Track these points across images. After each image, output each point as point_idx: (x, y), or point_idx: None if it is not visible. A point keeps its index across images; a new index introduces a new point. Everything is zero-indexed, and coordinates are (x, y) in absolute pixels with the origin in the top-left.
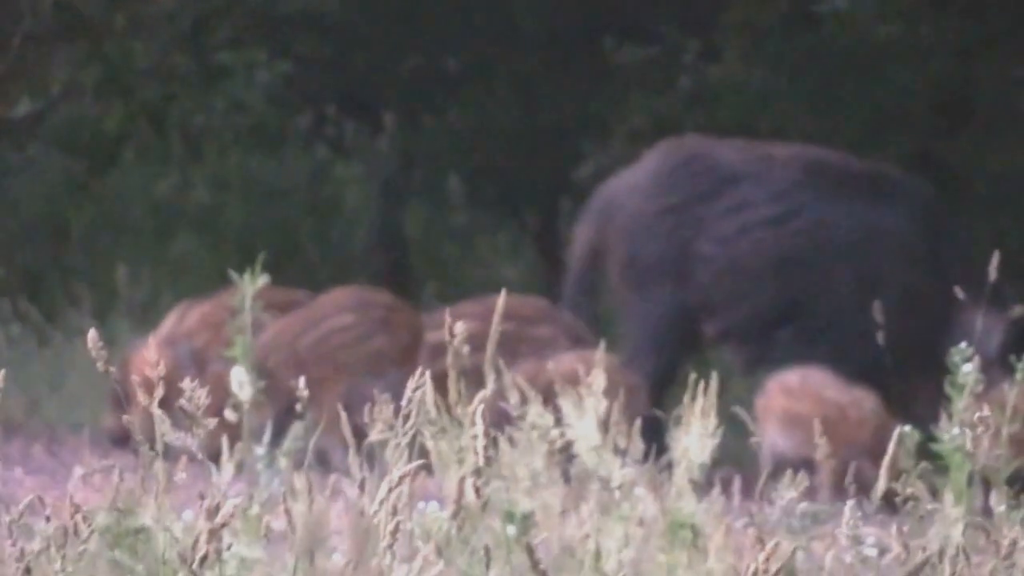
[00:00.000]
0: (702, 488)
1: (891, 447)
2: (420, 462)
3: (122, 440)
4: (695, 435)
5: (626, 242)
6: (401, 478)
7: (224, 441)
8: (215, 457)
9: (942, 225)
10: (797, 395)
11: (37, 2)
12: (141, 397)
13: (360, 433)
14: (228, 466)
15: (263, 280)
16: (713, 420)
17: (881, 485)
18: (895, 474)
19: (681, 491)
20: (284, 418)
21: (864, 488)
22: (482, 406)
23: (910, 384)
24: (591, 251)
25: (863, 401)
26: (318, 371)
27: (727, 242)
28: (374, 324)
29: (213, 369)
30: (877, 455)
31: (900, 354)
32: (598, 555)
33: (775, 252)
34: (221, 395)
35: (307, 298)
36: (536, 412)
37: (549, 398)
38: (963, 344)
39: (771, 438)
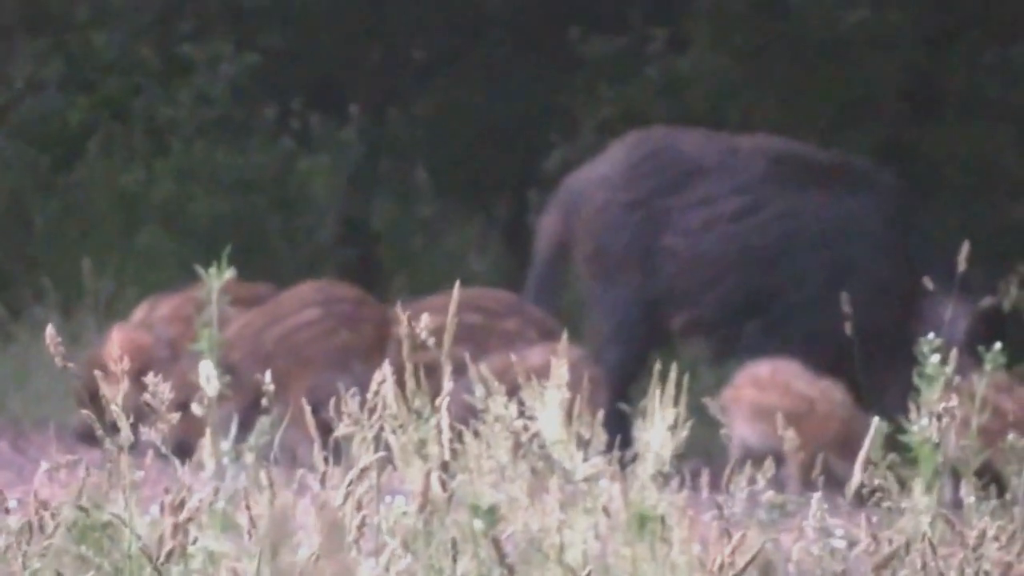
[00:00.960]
0: (668, 480)
1: (867, 441)
2: (381, 454)
3: (88, 436)
4: (659, 427)
5: (593, 234)
6: (362, 471)
7: (205, 435)
8: (184, 452)
9: (911, 215)
10: (766, 387)
11: None
12: (116, 384)
13: (327, 428)
14: (207, 461)
15: (230, 274)
16: (677, 411)
17: (856, 478)
18: (864, 465)
19: (646, 483)
20: (250, 413)
21: (833, 480)
22: (448, 399)
23: (881, 375)
24: (557, 242)
25: (832, 393)
26: (284, 366)
27: (693, 235)
28: (340, 319)
29: (180, 364)
30: (845, 447)
31: (870, 345)
32: (563, 548)
33: (741, 245)
34: (188, 389)
35: (271, 292)
36: (499, 405)
37: (516, 391)
38: (931, 334)
39: (739, 430)
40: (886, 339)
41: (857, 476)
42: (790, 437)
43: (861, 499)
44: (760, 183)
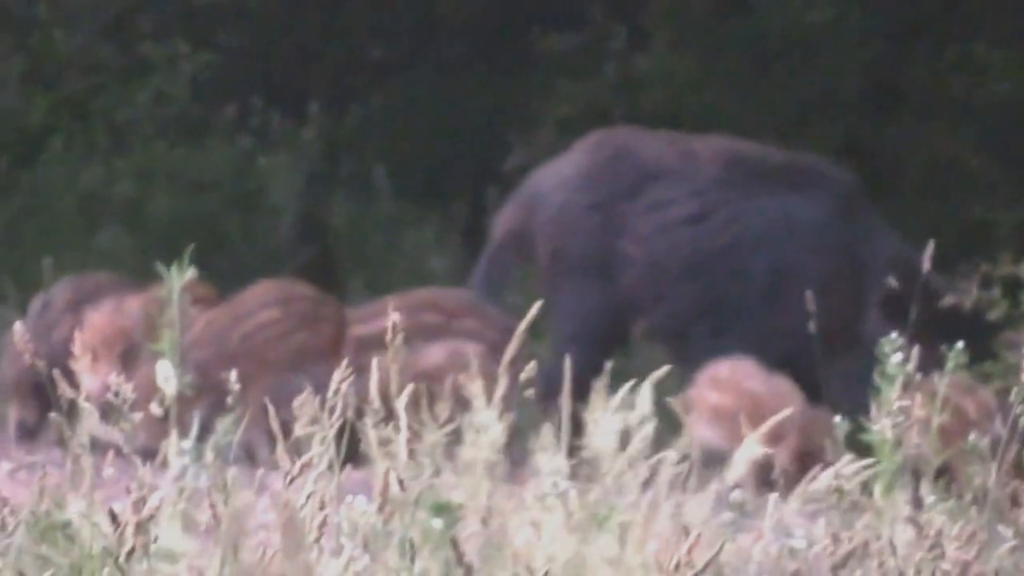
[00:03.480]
0: (630, 481)
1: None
2: (340, 454)
3: (31, 434)
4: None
5: (552, 235)
6: (303, 472)
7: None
8: (147, 451)
9: (861, 211)
10: (723, 387)
11: None
12: (95, 367)
13: (287, 428)
14: (170, 460)
15: (191, 273)
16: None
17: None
18: (825, 465)
19: (608, 484)
20: (217, 413)
21: (789, 480)
22: (407, 399)
23: (827, 373)
24: (512, 238)
25: (783, 391)
26: (246, 366)
27: (647, 241)
28: (298, 319)
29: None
30: (800, 447)
31: (814, 343)
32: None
33: (692, 251)
34: (152, 389)
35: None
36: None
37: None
38: (893, 334)
39: (699, 431)
40: (832, 337)
41: (818, 477)
42: (746, 437)
43: (822, 499)
44: (713, 188)
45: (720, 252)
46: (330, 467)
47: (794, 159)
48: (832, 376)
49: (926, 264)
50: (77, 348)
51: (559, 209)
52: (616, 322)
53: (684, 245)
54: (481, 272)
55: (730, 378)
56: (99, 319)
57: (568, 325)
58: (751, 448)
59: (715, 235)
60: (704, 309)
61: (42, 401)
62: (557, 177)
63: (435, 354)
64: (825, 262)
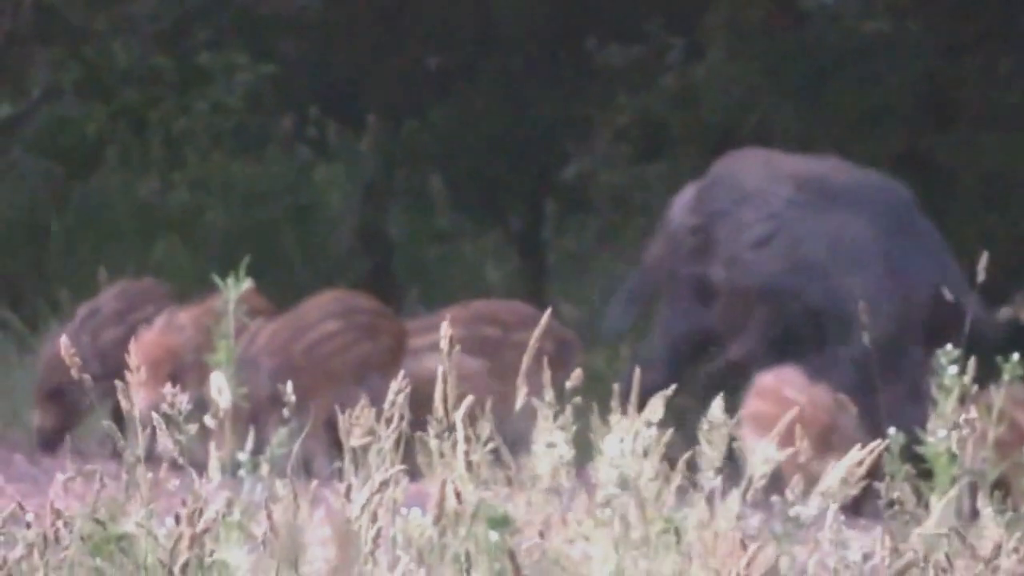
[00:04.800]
0: (687, 493)
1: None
2: (402, 467)
3: (53, 444)
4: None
5: (665, 257)
6: (382, 484)
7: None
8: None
9: (912, 227)
10: (764, 396)
11: (17, 4)
12: (143, 386)
13: (347, 440)
14: (218, 472)
15: (247, 285)
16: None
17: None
18: (881, 477)
19: (665, 497)
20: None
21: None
22: (465, 411)
23: (883, 389)
24: (655, 263)
25: (819, 397)
26: (309, 378)
27: (727, 266)
28: (360, 330)
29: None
30: (828, 450)
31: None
32: (581, 560)
33: (761, 276)
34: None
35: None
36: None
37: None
38: (949, 346)
39: (748, 441)
40: (881, 354)
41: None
42: (802, 447)
43: (878, 512)
44: (782, 211)
45: (782, 277)
46: (385, 480)
47: (852, 176)
48: (885, 394)
49: (981, 275)
50: (132, 363)
51: (672, 230)
52: (705, 350)
53: (753, 270)
54: (622, 294)
55: (770, 387)
56: (150, 338)
57: (662, 341)
58: (799, 455)
59: (777, 260)
60: (775, 336)
61: (68, 409)
62: (681, 197)
63: (470, 363)
64: (872, 281)
